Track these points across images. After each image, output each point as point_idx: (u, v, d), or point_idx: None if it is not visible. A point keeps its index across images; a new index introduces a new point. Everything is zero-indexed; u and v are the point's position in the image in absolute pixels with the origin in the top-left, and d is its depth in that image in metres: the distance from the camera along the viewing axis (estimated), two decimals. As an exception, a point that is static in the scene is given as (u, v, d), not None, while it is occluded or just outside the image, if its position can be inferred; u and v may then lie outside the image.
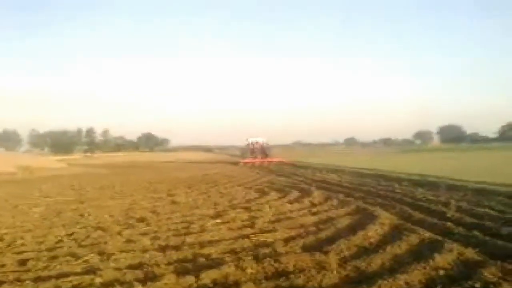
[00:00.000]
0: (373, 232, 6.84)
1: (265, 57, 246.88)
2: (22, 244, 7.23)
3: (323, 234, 7.01)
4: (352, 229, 7.19)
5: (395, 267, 5.04)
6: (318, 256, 5.52)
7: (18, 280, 5.12)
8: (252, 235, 7.04)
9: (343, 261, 5.35)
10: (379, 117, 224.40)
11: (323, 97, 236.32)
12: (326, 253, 5.64)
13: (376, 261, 5.23)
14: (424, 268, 4.85)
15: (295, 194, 12.65)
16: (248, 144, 40.51)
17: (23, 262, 6.00)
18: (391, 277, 4.48)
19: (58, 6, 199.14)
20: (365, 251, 5.85)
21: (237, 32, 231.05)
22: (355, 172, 20.90)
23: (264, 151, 39.15)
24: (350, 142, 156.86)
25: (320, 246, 6.12)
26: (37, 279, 5.13)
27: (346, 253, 5.75)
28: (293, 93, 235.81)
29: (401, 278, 4.48)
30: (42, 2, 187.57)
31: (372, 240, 6.46)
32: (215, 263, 5.42)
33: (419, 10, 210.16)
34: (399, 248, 5.83)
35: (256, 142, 39.99)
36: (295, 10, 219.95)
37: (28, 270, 5.60)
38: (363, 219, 8.08)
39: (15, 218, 10.10)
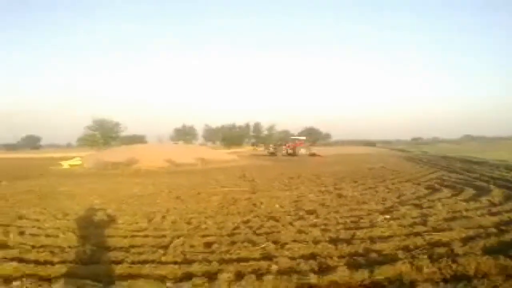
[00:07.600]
0: None
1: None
2: (206, 228, 7.95)
3: (506, 237, 6.33)
4: (543, 234, 6.30)
5: None
6: (503, 260, 5.00)
7: (206, 260, 5.68)
8: (425, 233, 6.73)
9: (535, 270, 4.76)
10: None
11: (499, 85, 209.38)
12: (513, 258, 5.08)
13: None
14: None
15: (470, 192, 11.56)
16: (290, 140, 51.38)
17: (208, 245, 6.61)
18: None
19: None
20: None
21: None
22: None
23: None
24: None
25: (505, 250, 5.51)
26: (221, 261, 5.63)
27: (538, 261, 5.09)
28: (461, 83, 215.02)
29: None
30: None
31: None
32: (387, 260, 5.36)
33: None
34: None
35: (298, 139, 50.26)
36: None
37: (213, 252, 6.17)
38: (557, 224, 7.03)
39: (198, 204, 11.15)
